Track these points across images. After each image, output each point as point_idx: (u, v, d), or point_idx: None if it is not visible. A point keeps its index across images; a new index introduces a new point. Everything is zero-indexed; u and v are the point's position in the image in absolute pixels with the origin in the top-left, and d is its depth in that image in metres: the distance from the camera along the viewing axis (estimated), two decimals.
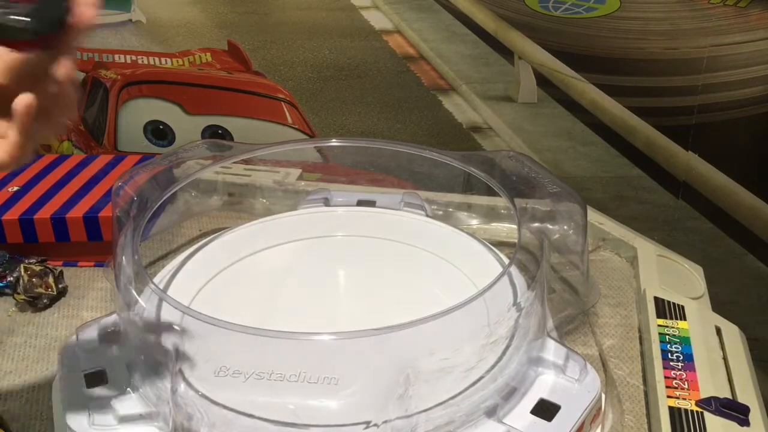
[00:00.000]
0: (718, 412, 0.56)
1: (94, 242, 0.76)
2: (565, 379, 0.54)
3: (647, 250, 0.78)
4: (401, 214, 0.75)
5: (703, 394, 0.58)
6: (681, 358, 0.62)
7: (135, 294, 0.54)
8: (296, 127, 1.73)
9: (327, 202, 0.78)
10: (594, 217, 0.81)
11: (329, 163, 0.88)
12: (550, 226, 0.64)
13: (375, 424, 0.47)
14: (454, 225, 0.73)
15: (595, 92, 2.02)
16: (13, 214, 0.75)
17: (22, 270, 0.70)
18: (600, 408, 0.55)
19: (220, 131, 1.69)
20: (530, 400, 0.52)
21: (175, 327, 0.51)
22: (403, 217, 0.75)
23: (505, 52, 2.25)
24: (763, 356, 0.76)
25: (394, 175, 0.82)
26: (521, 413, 0.51)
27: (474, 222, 0.78)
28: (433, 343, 0.49)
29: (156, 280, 0.62)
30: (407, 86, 2.32)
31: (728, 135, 1.83)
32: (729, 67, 1.79)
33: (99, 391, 0.53)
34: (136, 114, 1.68)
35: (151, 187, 0.66)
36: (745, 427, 0.55)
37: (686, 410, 0.56)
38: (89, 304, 0.72)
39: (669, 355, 0.62)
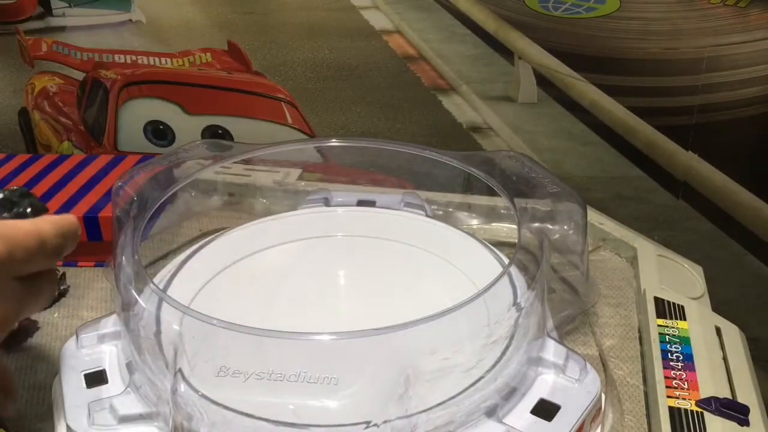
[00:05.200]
0: (718, 412, 0.56)
1: (94, 242, 0.76)
2: (565, 379, 0.54)
3: (647, 250, 0.78)
4: (401, 214, 0.75)
5: (703, 394, 0.58)
6: (681, 358, 0.62)
7: (135, 294, 0.54)
8: (296, 127, 1.73)
9: (327, 202, 0.78)
10: (594, 217, 0.81)
11: (329, 163, 0.88)
12: (550, 226, 0.64)
13: (375, 424, 0.46)
14: (454, 225, 0.73)
15: (595, 92, 2.02)
16: None
17: None
18: (600, 408, 0.55)
19: (220, 131, 1.69)
20: (530, 400, 0.52)
21: (175, 327, 0.51)
22: (403, 217, 0.75)
23: (506, 52, 2.25)
24: (763, 356, 0.76)
25: (394, 175, 0.82)
26: (521, 413, 0.51)
27: (474, 222, 0.78)
28: (433, 343, 0.49)
29: (156, 280, 0.62)
30: (407, 86, 2.32)
31: (728, 135, 1.83)
32: (729, 67, 1.79)
33: (99, 391, 0.53)
34: (136, 114, 1.68)
35: (151, 187, 0.66)
36: (745, 427, 0.55)
37: (686, 410, 0.56)
38: (89, 304, 0.72)
39: (669, 355, 0.62)
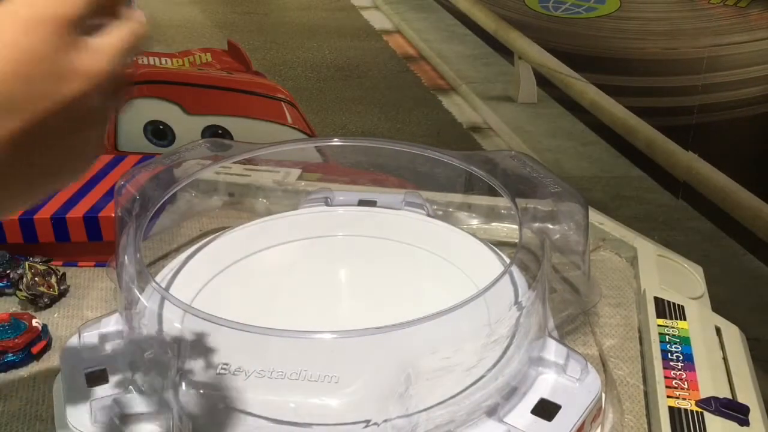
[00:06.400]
0: (718, 412, 0.56)
1: (94, 242, 0.76)
2: (566, 378, 0.54)
3: (647, 250, 0.78)
4: (402, 213, 0.75)
5: (703, 394, 0.58)
6: (681, 358, 0.62)
7: (137, 293, 0.54)
8: (296, 127, 1.73)
9: (328, 202, 0.78)
10: (594, 217, 0.81)
11: (330, 163, 0.88)
12: (552, 226, 0.64)
13: (375, 423, 0.47)
14: (454, 225, 0.73)
15: (595, 92, 2.02)
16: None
17: (27, 267, 0.71)
18: (600, 408, 0.55)
19: (220, 131, 1.69)
20: (531, 400, 0.52)
21: (177, 325, 0.52)
22: (404, 217, 0.75)
23: (505, 52, 2.26)
24: (763, 356, 0.76)
25: (394, 174, 0.82)
26: (522, 413, 0.52)
27: (474, 222, 0.78)
28: (434, 342, 0.49)
29: (158, 279, 0.62)
30: (407, 86, 2.33)
31: (728, 135, 1.83)
32: (729, 67, 1.79)
33: (100, 389, 0.53)
34: (136, 114, 1.68)
35: (153, 187, 0.66)
36: (744, 427, 0.55)
37: (686, 410, 0.56)
38: (89, 304, 0.72)
39: (669, 355, 0.62)
